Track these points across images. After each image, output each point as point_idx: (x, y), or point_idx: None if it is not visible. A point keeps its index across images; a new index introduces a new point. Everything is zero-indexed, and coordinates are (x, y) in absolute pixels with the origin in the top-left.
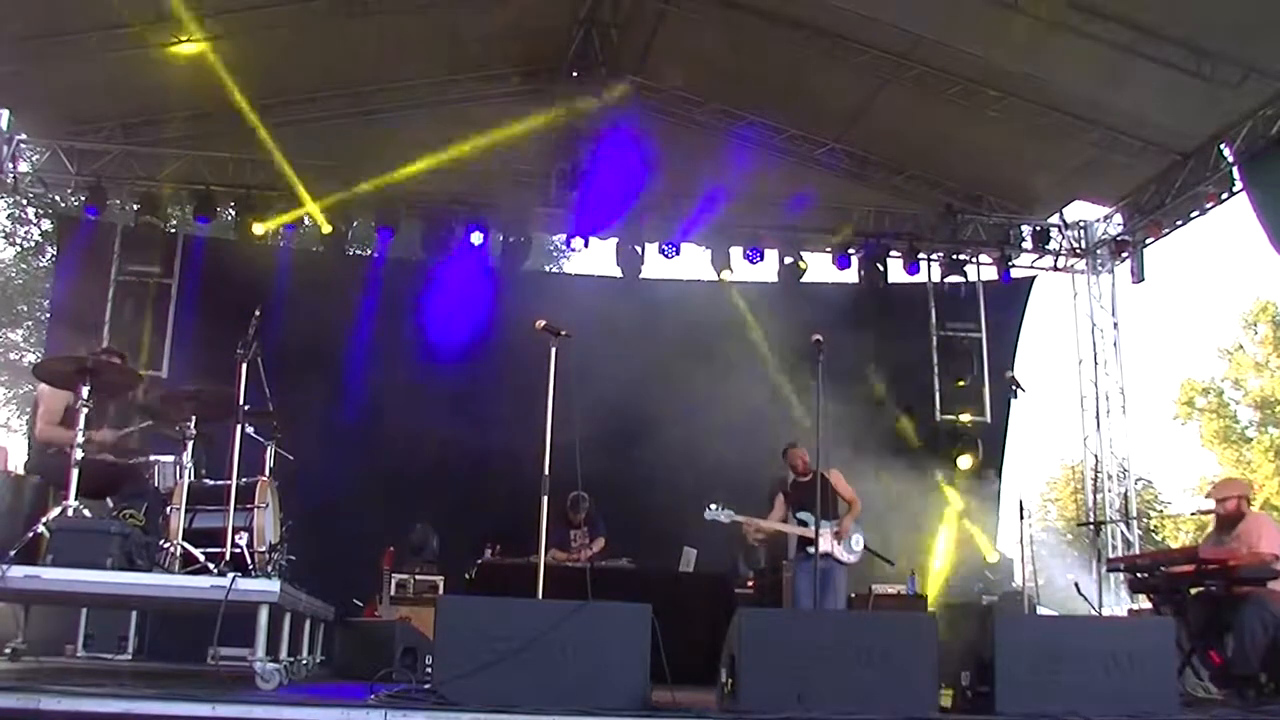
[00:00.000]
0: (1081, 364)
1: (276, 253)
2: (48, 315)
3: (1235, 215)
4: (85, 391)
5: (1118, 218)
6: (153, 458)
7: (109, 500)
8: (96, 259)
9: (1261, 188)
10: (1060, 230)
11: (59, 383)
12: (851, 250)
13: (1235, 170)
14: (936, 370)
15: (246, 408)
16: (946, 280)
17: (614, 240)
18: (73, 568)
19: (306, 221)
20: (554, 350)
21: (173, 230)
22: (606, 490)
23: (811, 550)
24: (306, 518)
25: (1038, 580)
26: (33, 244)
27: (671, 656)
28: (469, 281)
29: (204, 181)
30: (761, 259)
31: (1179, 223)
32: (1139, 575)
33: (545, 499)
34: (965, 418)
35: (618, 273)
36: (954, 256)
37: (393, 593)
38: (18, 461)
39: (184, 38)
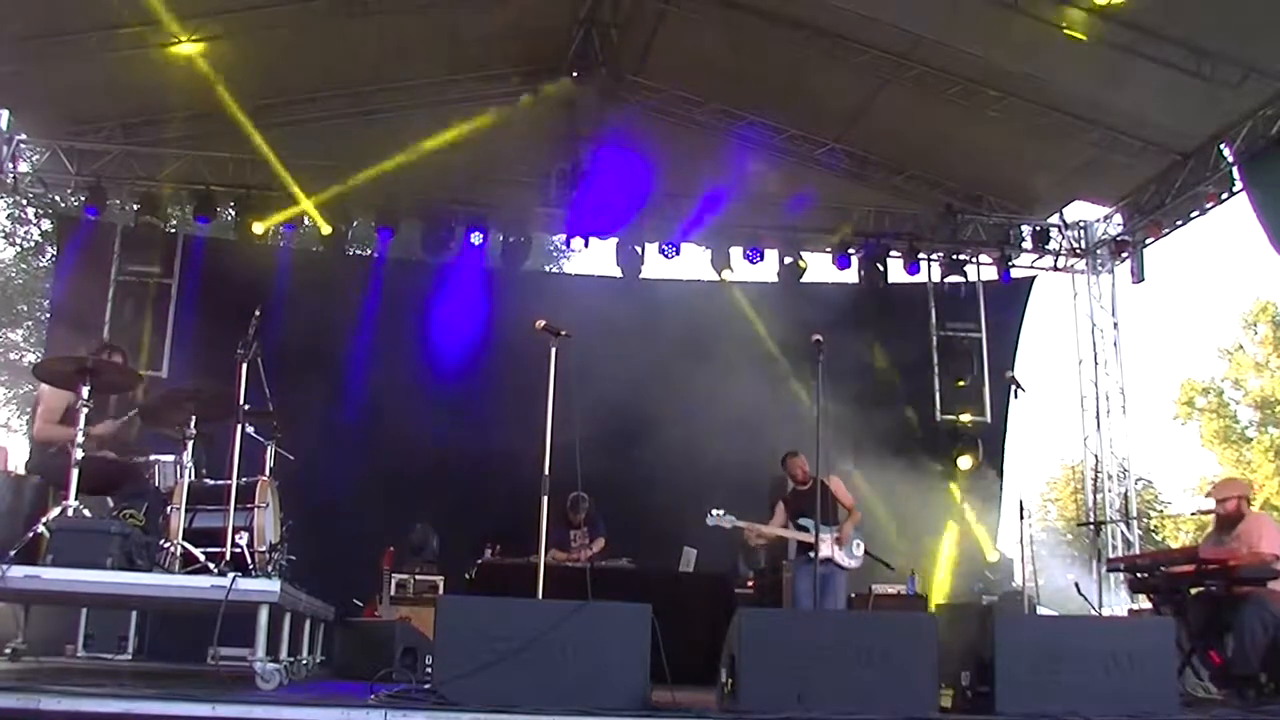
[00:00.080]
0: (1081, 364)
1: (276, 253)
2: (48, 315)
3: (1235, 215)
4: (85, 391)
5: (1118, 218)
6: (153, 457)
7: (109, 500)
8: (96, 259)
9: (1261, 188)
10: (1060, 230)
11: (59, 382)
12: (851, 250)
13: (1235, 170)
14: (936, 370)
15: (247, 408)
16: (946, 280)
17: (614, 240)
18: (73, 568)
19: (306, 221)
20: (554, 350)
21: (173, 230)
22: (606, 490)
23: (812, 555)
24: (306, 518)
25: (1038, 580)
26: (33, 244)
27: (671, 656)
28: (469, 281)
29: (204, 181)
30: (761, 259)
31: (1179, 223)
32: (1139, 575)
33: (545, 499)
34: (965, 418)
35: (618, 273)
36: (954, 256)
37: (393, 593)
38: (18, 461)
39: (184, 38)
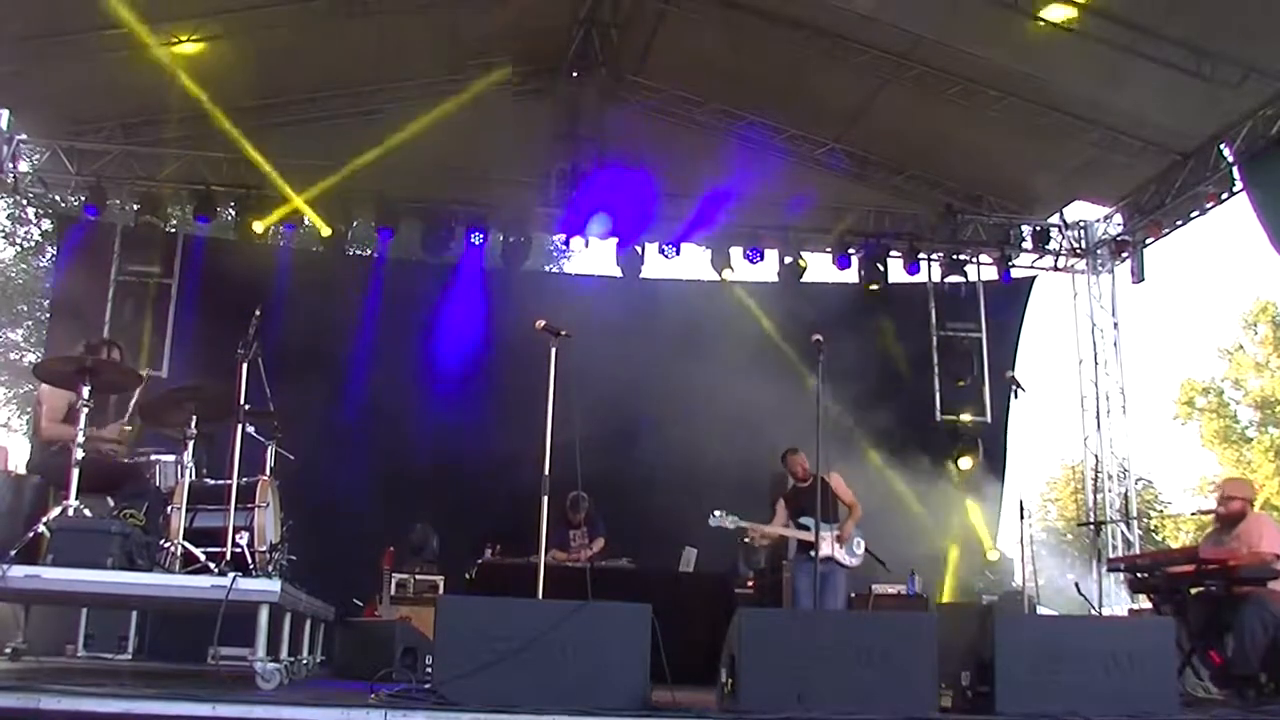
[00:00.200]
0: (1081, 364)
1: (276, 252)
2: (48, 315)
3: (1235, 215)
4: (85, 391)
5: (1118, 218)
6: (153, 457)
7: (109, 500)
8: (96, 259)
9: (1261, 188)
10: (1060, 230)
11: (59, 382)
12: (851, 250)
13: (1235, 170)
14: (936, 370)
15: (247, 408)
16: (946, 280)
17: (614, 240)
18: (73, 567)
19: (306, 221)
20: (554, 350)
21: (173, 230)
22: (606, 490)
23: (813, 553)
24: (306, 518)
25: (1038, 580)
26: (33, 244)
27: (671, 656)
28: (469, 281)
29: (204, 181)
30: (761, 259)
31: (1179, 223)
32: (1139, 575)
33: (545, 499)
34: (965, 418)
35: (618, 273)
36: (954, 256)
37: (393, 593)
38: (18, 461)
39: (184, 37)
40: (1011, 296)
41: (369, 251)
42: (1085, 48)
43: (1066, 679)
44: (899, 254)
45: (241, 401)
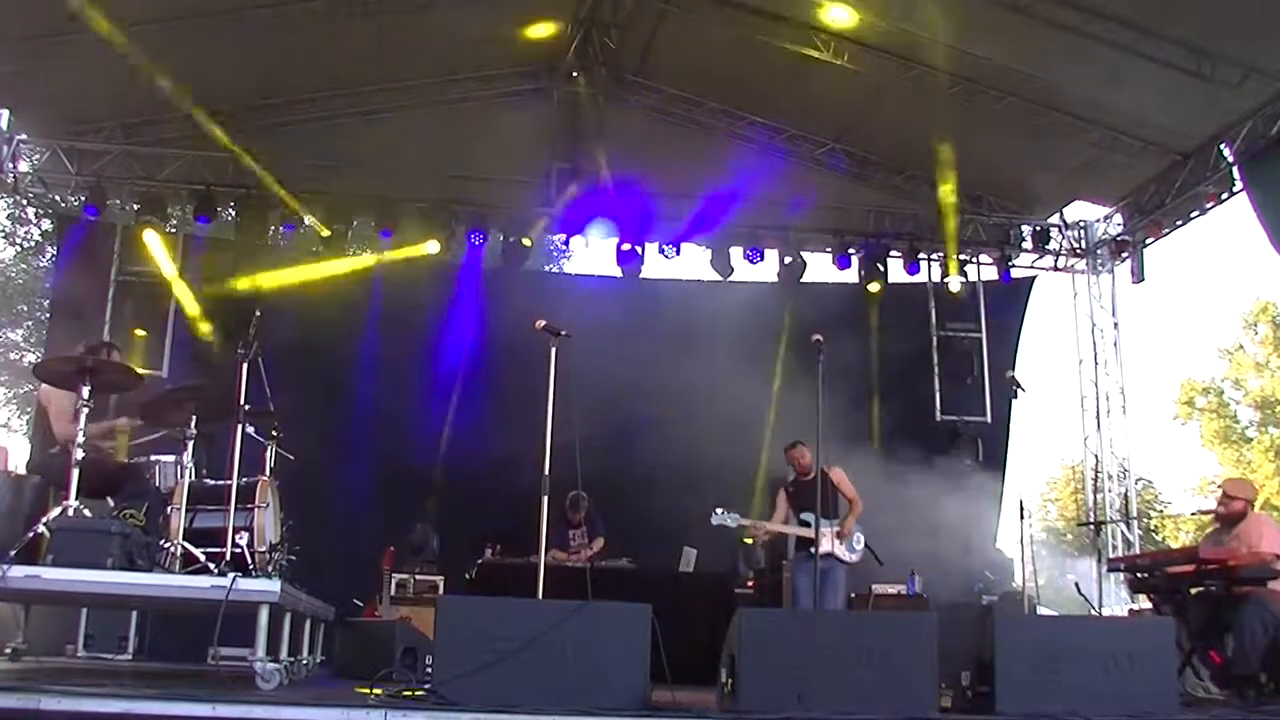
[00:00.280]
0: (1081, 364)
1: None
2: (48, 315)
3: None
4: (85, 391)
5: (1118, 218)
6: (153, 457)
7: (109, 500)
8: (96, 259)
9: (1261, 188)
10: (1060, 230)
11: (59, 382)
12: (851, 250)
13: (1235, 170)
14: (936, 370)
15: (247, 408)
16: (946, 280)
17: (614, 240)
18: (73, 568)
19: (306, 221)
20: (554, 350)
21: (173, 230)
22: (606, 490)
23: (813, 550)
24: (306, 518)
25: (1038, 580)
26: (33, 244)
27: (671, 656)
28: (469, 281)
29: (204, 181)
30: (761, 259)
31: (1179, 223)
32: (1139, 575)
33: (545, 499)
34: (965, 418)
35: (618, 273)
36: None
37: (393, 593)
38: (18, 461)
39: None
40: (1011, 296)
41: (369, 251)
42: (1085, 48)
43: (1066, 679)
44: (899, 254)
45: (241, 402)
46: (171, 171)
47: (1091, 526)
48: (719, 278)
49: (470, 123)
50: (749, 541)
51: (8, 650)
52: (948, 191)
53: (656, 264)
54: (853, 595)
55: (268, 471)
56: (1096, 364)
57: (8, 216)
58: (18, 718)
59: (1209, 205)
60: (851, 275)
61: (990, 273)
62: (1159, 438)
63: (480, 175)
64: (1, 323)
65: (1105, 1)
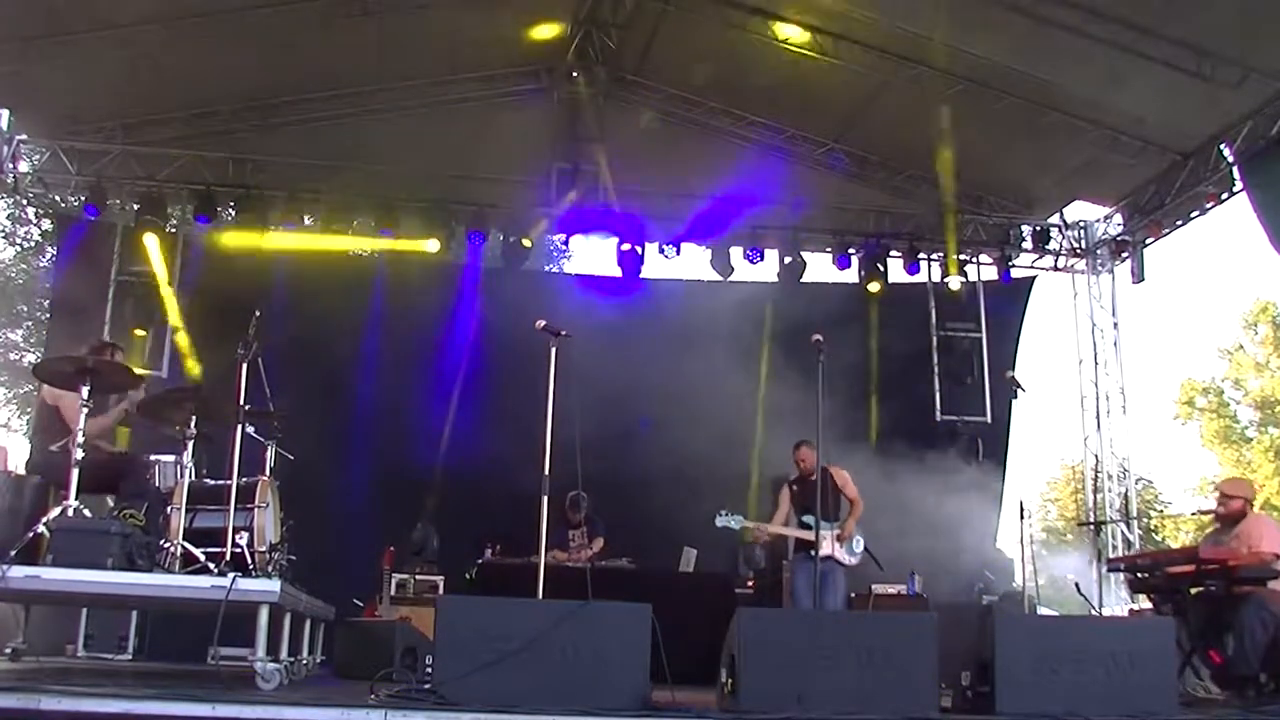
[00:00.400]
0: (1081, 364)
1: (276, 253)
2: (48, 315)
3: (1235, 215)
4: (85, 391)
5: (1118, 218)
6: (153, 457)
7: (109, 500)
8: (96, 259)
9: (1261, 188)
10: (1060, 230)
11: (59, 383)
12: (851, 250)
13: (1235, 170)
14: (936, 370)
15: (247, 408)
16: (946, 280)
17: (614, 240)
18: (73, 568)
19: (307, 221)
20: (554, 350)
21: (173, 230)
22: (606, 490)
23: (812, 552)
24: (306, 518)
25: (1038, 580)
26: (33, 244)
27: (671, 656)
28: (469, 281)
29: (204, 181)
30: (761, 259)
31: (1179, 223)
32: (1139, 575)
33: (545, 499)
34: (965, 418)
35: (618, 272)
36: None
37: (393, 593)
38: (18, 461)
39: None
40: (1011, 296)
41: (369, 251)
42: (1085, 48)
43: (1066, 679)
44: (899, 254)
45: (241, 401)
46: (171, 171)
47: (1091, 526)
48: (719, 278)
49: (470, 123)
50: (749, 541)
51: (8, 650)
52: (947, 191)
53: (656, 264)
54: (853, 595)
55: (268, 471)
56: (1096, 364)
57: (8, 216)
58: (18, 718)
59: (1209, 205)
60: (851, 275)
61: (990, 273)
62: (1159, 438)
63: (480, 175)
64: (1, 323)
65: (1105, 1)
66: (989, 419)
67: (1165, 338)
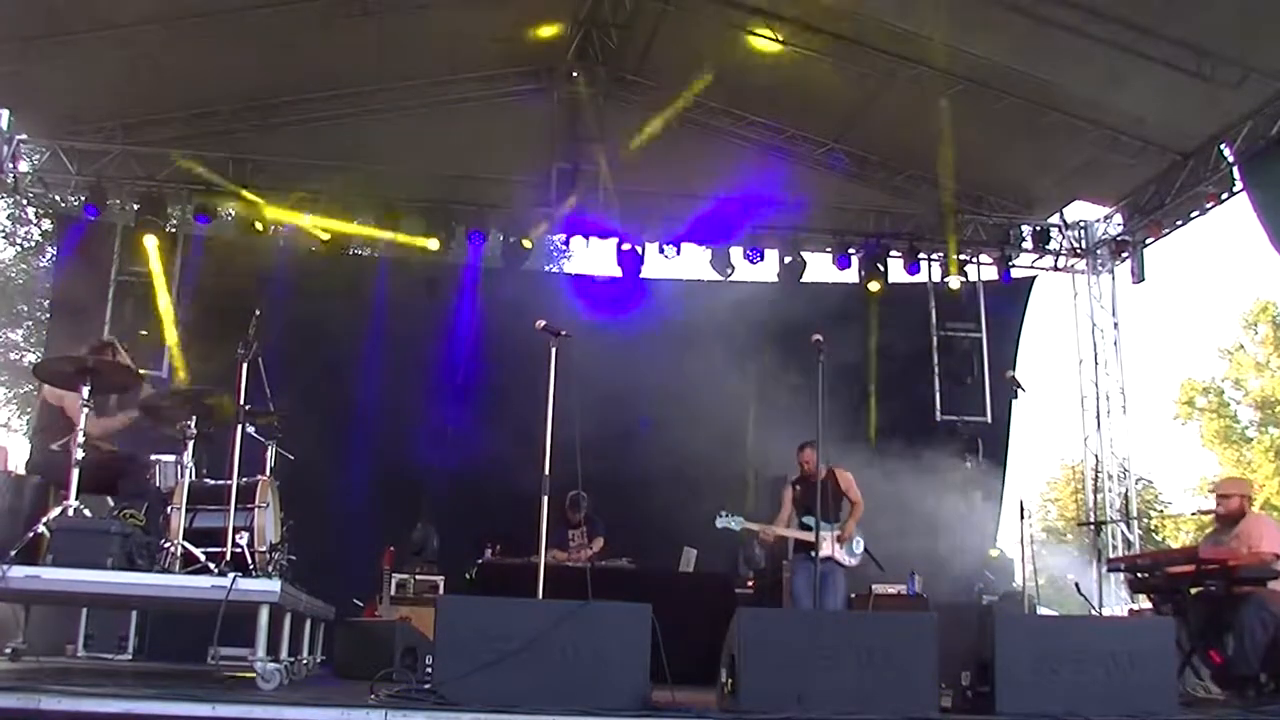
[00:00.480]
0: (1081, 364)
1: (276, 253)
2: (48, 315)
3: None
4: (85, 391)
5: (1118, 218)
6: (153, 457)
7: (110, 500)
8: (96, 259)
9: (1261, 188)
10: (1060, 230)
11: (59, 383)
12: (851, 250)
13: (1235, 170)
14: (936, 370)
15: (247, 408)
16: (946, 280)
17: (614, 240)
18: (73, 568)
19: (307, 220)
20: (554, 350)
21: (173, 230)
22: (606, 490)
23: (812, 553)
24: (306, 518)
25: (1038, 580)
26: (33, 244)
27: (671, 656)
28: (469, 281)
29: (204, 181)
30: (761, 259)
31: (1179, 223)
32: (1139, 575)
33: (545, 499)
34: (965, 417)
35: (618, 273)
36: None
37: (393, 593)
38: (18, 461)
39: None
40: (1011, 296)
41: (369, 251)
42: (1085, 48)
43: (1066, 679)
44: (899, 254)
45: (241, 402)
46: (171, 171)
47: (1091, 526)
48: (719, 277)
49: (470, 123)
50: (757, 538)
51: (8, 650)
52: (947, 191)
53: (656, 264)
54: (853, 595)
55: (268, 471)
56: (1096, 364)
57: (8, 216)
58: (18, 718)
59: (1209, 205)
60: (851, 275)
61: (990, 273)
62: (1159, 438)
63: (480, 175)
64: (1, 323)
65: (1105, 1)
66: (989, 419)
67: (1165, 338)
